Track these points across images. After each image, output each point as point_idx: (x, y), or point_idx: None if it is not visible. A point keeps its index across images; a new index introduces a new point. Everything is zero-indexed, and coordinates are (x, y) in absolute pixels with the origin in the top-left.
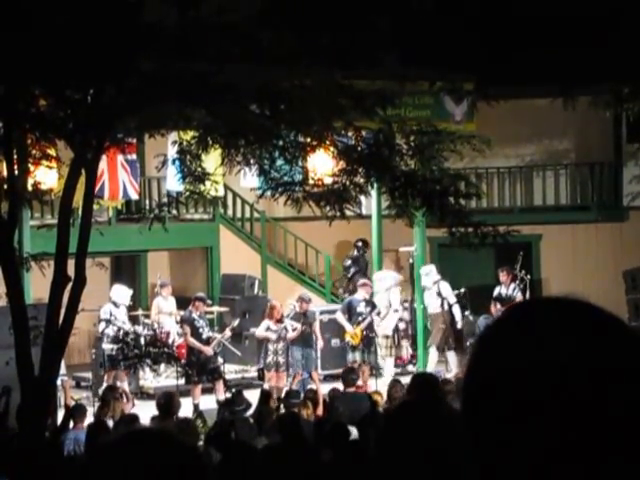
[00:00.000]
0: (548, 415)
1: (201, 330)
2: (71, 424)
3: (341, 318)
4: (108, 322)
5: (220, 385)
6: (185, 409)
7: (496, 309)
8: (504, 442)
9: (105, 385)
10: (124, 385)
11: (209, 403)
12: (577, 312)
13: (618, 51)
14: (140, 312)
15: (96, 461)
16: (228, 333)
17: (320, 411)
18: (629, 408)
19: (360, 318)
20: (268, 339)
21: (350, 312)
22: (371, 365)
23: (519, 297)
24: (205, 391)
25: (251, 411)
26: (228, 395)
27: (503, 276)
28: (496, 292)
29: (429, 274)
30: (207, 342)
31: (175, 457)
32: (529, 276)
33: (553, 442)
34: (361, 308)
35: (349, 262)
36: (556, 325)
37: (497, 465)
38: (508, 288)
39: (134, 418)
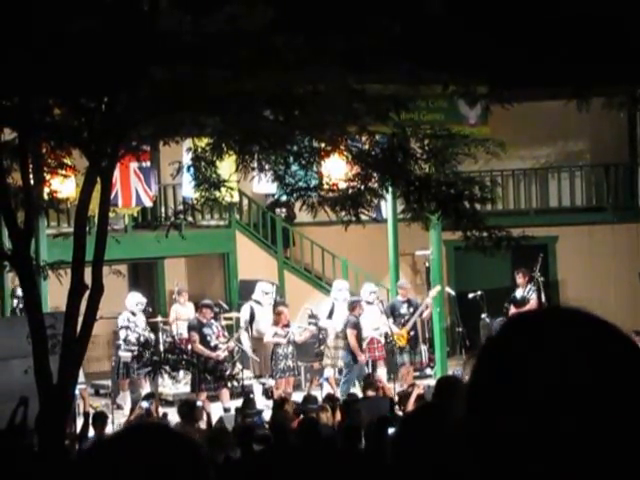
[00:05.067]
0: (549, 415)
1: (209, 338)
2: (92, 432)
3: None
4: (127, 329)
5: (225, 393)
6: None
7: (511, 311)
8: (510, 442)
9: (122, 393)
10: (142, 393)
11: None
12: (582, 324)
13: (632, 52)
14: (159, 319)
15: (94, 455)
16: (236, 336)
17: (339, 416)
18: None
19: (403, 320)
20: (278, 344)
21: (393, 314)
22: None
23: (533, 298)
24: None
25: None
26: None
27: (520, 278)
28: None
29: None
30: (215, 349)
31: (175, 450)
32: (542, 278)
33: (560, 441)
34: (404, 309)
35: None
36: (563, 338)
37: (503, 465)
38: (524, 290)
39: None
